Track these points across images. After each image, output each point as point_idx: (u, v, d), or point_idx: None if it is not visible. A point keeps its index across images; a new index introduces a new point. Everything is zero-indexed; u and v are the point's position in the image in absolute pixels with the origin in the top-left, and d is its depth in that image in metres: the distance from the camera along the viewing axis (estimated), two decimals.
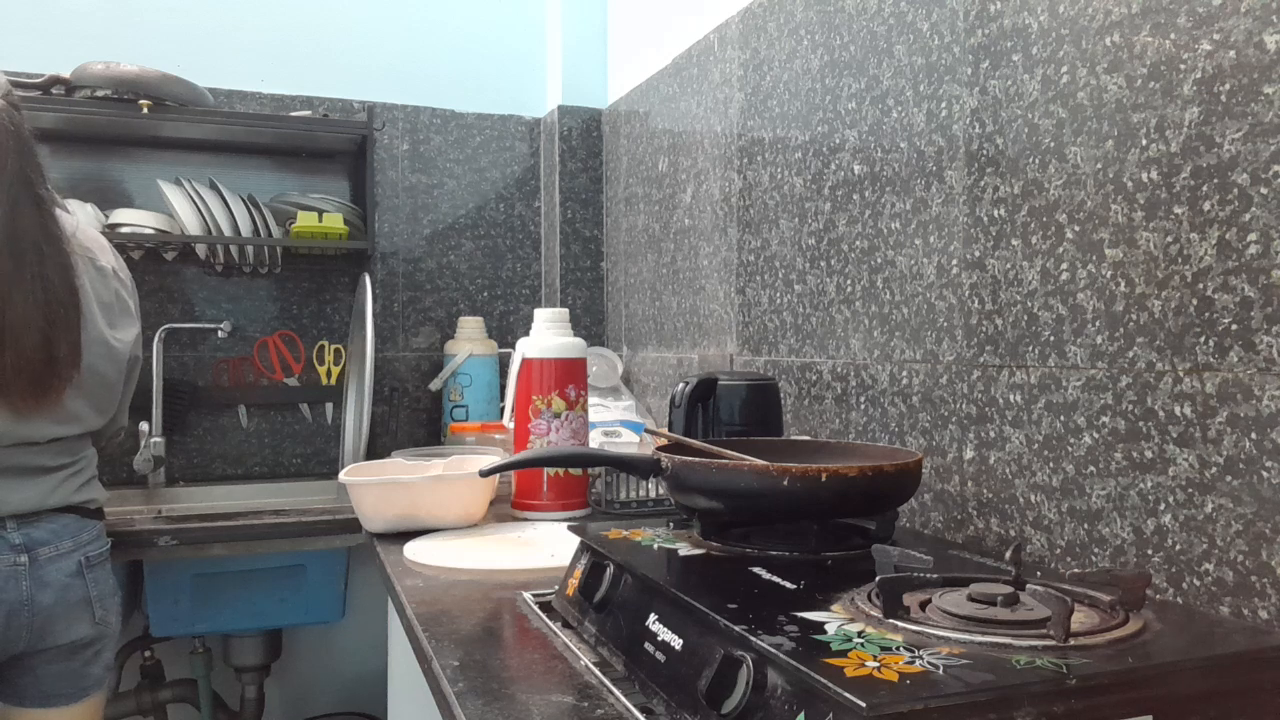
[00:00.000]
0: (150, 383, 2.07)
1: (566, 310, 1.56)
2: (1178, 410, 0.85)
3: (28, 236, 1.23)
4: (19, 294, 1.21)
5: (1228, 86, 0.81)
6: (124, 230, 1.98)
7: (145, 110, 1.92)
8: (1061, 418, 0.97)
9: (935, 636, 0.64)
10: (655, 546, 0.94)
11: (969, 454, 1.11)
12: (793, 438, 1.40)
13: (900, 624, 0.66)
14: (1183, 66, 0.85)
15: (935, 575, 0.74)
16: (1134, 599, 0.71)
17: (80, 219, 1.42)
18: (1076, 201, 0.96)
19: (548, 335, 1.53)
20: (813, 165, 1.45)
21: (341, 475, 1.45)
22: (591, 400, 1.93)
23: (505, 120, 2.46)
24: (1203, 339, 0.83)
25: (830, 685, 0.55)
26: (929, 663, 0.59)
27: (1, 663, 1.32)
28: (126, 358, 1.41)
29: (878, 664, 0.59)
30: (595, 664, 0.81)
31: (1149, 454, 0.88)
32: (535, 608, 0.99)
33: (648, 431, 1.79)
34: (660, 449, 1.06)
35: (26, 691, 1.34)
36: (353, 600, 1.89)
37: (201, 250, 2.11)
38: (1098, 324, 0.93)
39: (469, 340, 2.26)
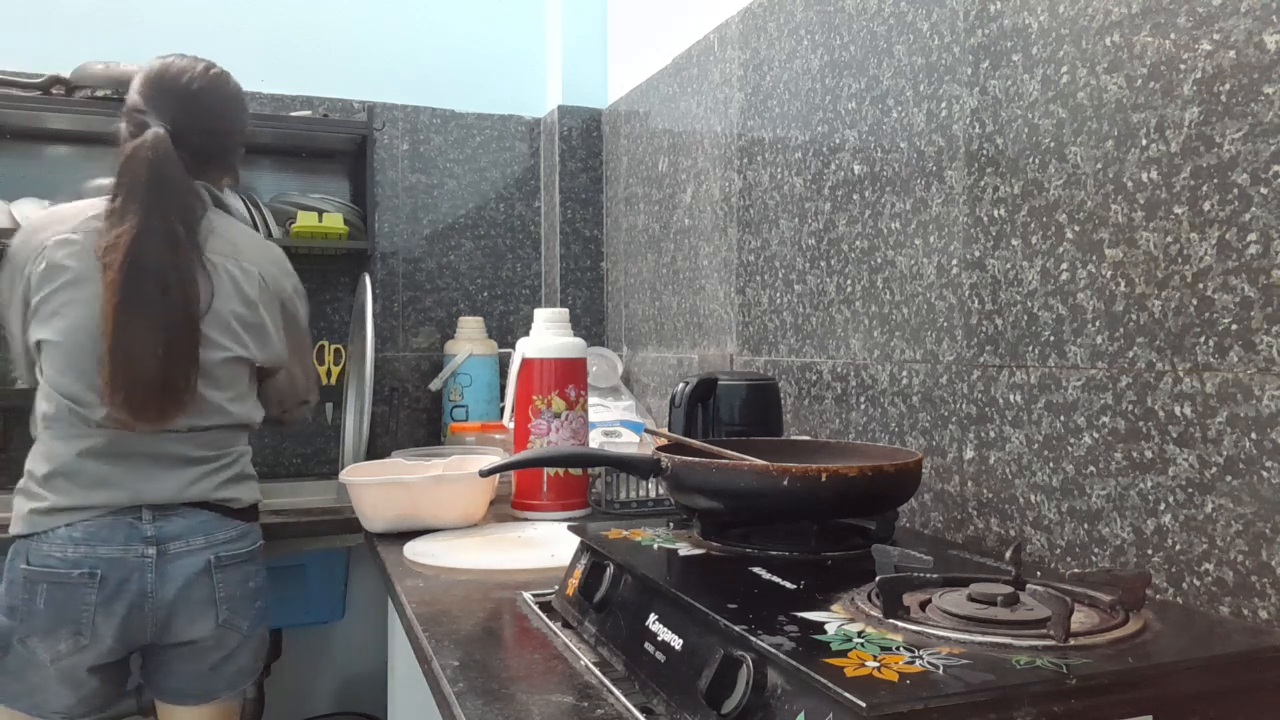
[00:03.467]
0: None
1: (566, 310, 1.56)
2: (1178, 410, 0.85)
3: (150, 264, 1.26)
4: (138, 323, 1.24)
5: (1228, 86, 0.81)
6: None
7: None
8: (1061, 418, 0.97)
9: (935, 636, 0.64)
10: (655, 546, 0.94)
11: (969, 454, 1.11)
12: (793, 438, 1.40)
13: (900, 624, 0.66)
14: (1183, 66, 0.85)
15: (935, 575, 0.74)
16: (1134, 599, 0.71)
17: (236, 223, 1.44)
18: (1076, 201, 0.96)
19: (548, 335, 1.53)
20: (813, 165, 1.45)
21: (341, 475, 1.45)
22: (591, 400, 1.93)
23: (505, 120, 2.46)
24: (1203, 339, 0.83)
25: (830, 685, 0.55)
26: (929, 663, 0.59)
27: (143, 655, 1.34)
28: (258, 364, 1.39)
29: (878, 664, 0.59)
30: (595, 664, 0.81)
31: (1149, 454, 0.88)
32: (535, 608, 0.99)
33: (648, 431, 1.79)
34: (660, 449, 1.06)
35: (162, 685, 1.35)
36: (353, 600, 1.89)
37: None
38: (1098, 324, 0.93)
39: (469, 340, 2.26)
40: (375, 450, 2.03)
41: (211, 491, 1.33)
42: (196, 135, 1.37)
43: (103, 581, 1.26)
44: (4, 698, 1.29)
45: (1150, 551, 0.88)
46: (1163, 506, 0.86)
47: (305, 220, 2.05)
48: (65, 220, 1.34)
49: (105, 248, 1.27)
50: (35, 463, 1.31)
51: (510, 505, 1.52)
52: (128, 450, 1.29)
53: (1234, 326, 0.80)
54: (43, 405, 1.31)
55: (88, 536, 1.27)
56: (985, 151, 1.08)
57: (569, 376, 1.51)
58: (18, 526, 1.30)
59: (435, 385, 2.28)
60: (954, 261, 1.14)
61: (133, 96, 1.37)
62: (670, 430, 1.29)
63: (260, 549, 1.41)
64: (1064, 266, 0.97)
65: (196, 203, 1.35)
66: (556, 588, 1.00)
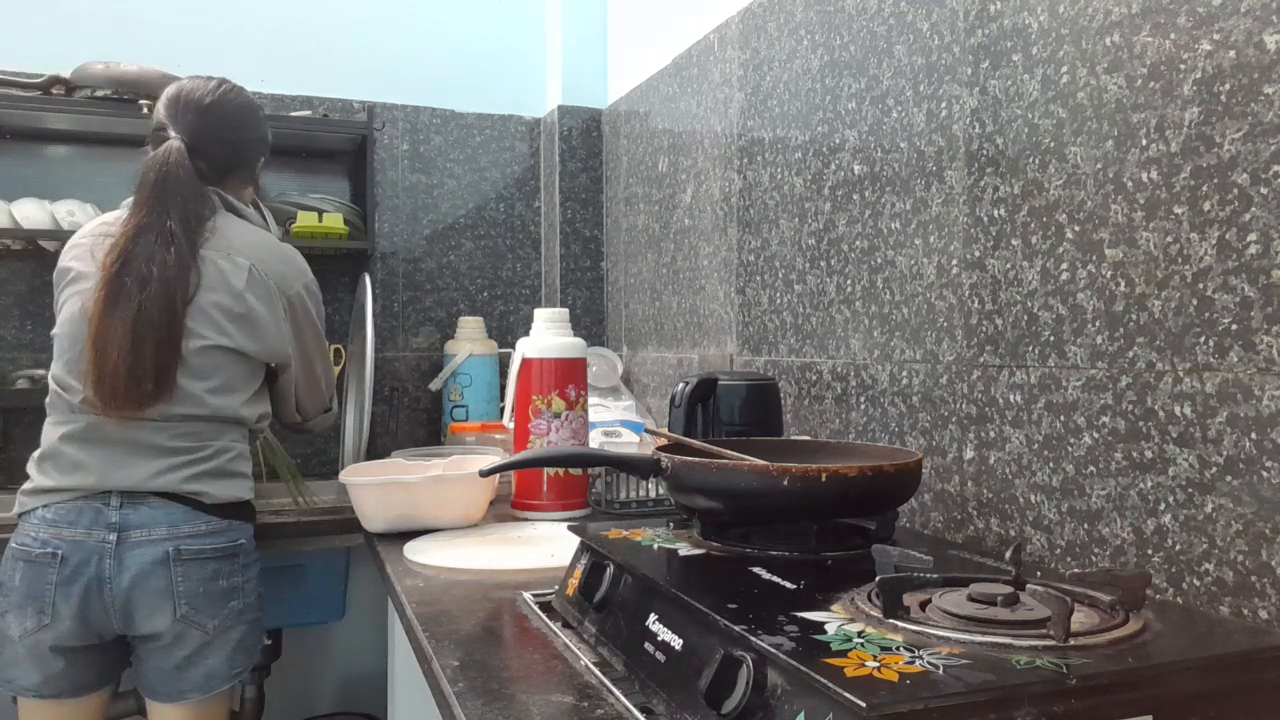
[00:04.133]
0: None
1: (566, 310, 1.56)
2: (1178, 410, 0.85)
3: (137, 264, 1.31)
4: (115, 315, 1.29)
5: (1228, 86, 0.81)
6: None
7: (145, 110, 1.91)
8: (1061, 418, 0.97)
9: (935, 636, 0.64)
10: (655, 546, 0.94)
11: (969, 454, 1.11)
12: (793, 438, 1.40)
13: (900, 624, 0.66)
14: (1183, 66, 0.85)
15: (935, 575, 0.74)
16: (1134, 599, 0.71)
17: (247, 225, 1.48)
18: (1076, 201, 0.96)
19: (548, 335, 1.53)
20: (813, 165, 1.45)
21: (341, 475, 1.45)
22: (591, 400, 1.93)
23: (505, 120, 2.46)
24: (1203, 339, 0.83)
25: (830, 685, 0.55)
26: (929, 663, 0.59)
27: (122, 646, 1.36)
28: (253, 358, 1.40)
29: (878, 664, 0.59)
30: (595, 664, 0.81)
31: (1149, 454, 0.88)
32: (535, 608, 0.99)
33: (648, 431, 1.79)
34: (660, 449, 1.06)
35: (139, 679, 1.37)
36: (353, 600, 1.89)
37: None
38: (1098, 324, 0.93)
39: (469, 340, 2.25)
40: (375, 450, 2.03)
41: (180, 483, 1.33)
42: (214, 145, 1.44)
43: (63, 562, 1.28)
44: None
45: (1150, 551, 0.88)
46: (1163, 506, 0.86)
47: (305, 220, 2.05)
48: (83, 230, 1.45)
49: (108, 247, 1.34)
50: (36, 448, 1.38)
51: (510, 505, 1.52)
52: (104, 436, 1.32)
53: (1234, 326, 0.80)
54: (48, 394, 1.39)
55: (57, 518, 1.30)
56: (985, 151, 1.08)
57: (569, 376, 1.51)
58: (14, 507, 1.37)
59: (435, 385, 2.28)
60: (954, 261, 1.14)
61: (156, 117, 1.45)
62: (670, 430, 1.29)
63: (242, 549, 1.39)
64: (1064, 266, 0.97)
65: (203, 207, 1.40)
66: (556, 588, 1.00)
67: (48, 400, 1.38)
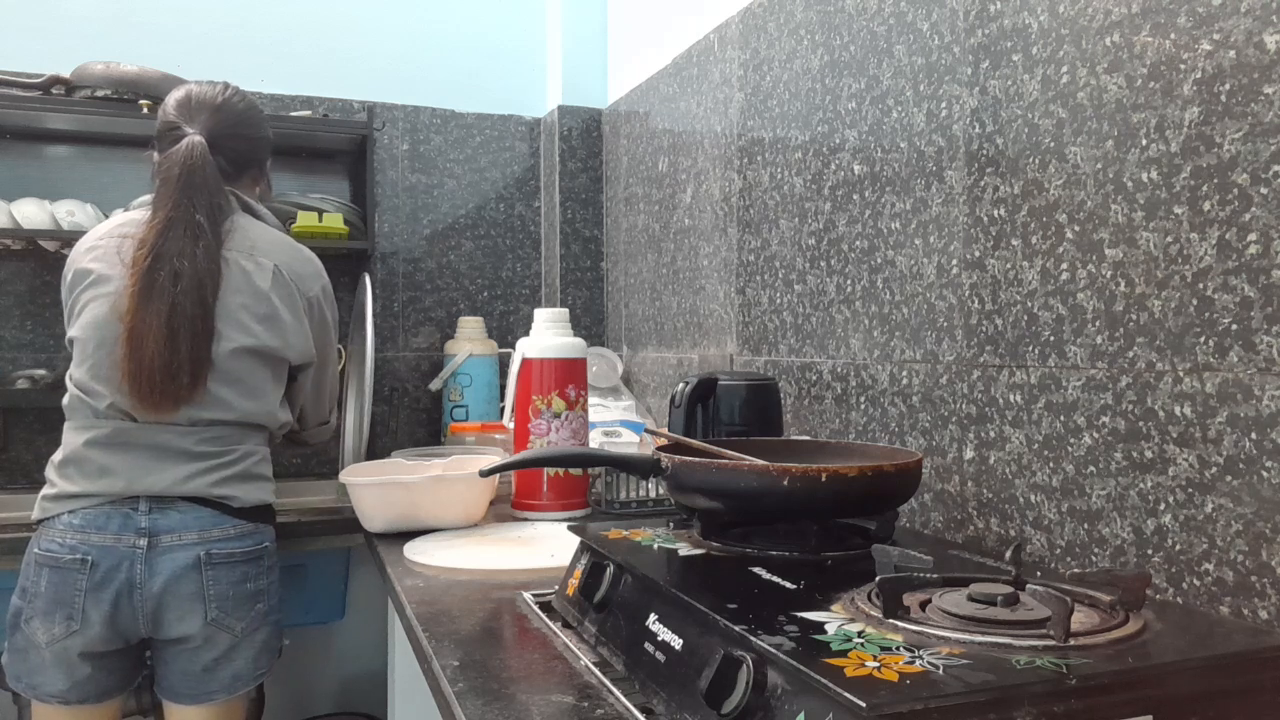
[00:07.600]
0: None
1: (566, 310, 1.56)
2: (1178, 410, 0.85)
3: (168, 259, 1.31)
4: (150, 309, 1.29)
5: (1228, 86, 0.81)
6: None
7: (145, 110, 1.92)
8: (1061, 418, 0.97)
9: (935, 636, 0.64)
10: (655, 546, 0.94)
11: (969, 454, 1.11)
12: (792, 438, 1.40)
13: (900, 624, 0.66)
14: (1183, 66, 0.85)
15: (935, 575, 0.74)
16: (1134, 599, 0.71)
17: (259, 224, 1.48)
18: (1076, 201, 0.96)
19: (548, 335, 1.53)
20: (813, 165, 1.45)
21: (341, 475, 1.46)
22: (591, 400, 1.93)
23: (505, 120, 2.46)
24: (1203, 339, 0.83)
25: (830, 685, 0.55)
26: (929, 663, 0.59)
27: (152, 650, 1.36)
28: (274, 358, 1.40)
29: (878, 664, 0.59)
30: (595, 664, 0.81)
31: (1149, 454, 0.88)
32: (535, 608, 0.99)
33: (648, 431, 1.79)
34: (660, 449, 1.06)
35: (161, 682, 1.36)
36: (353, 600, 1.89)
37: None
38: (1098, 324, 0.93)
39: (469, 340, 2.25)
40: (375, 450, 2.03)
41: (209, 488, 1.33)
42: (232, 140, 1.46)
43: (93, 568, 1.28)
44: (10, 677, 1.32)
45: (1150, 551, 0.88)
46: (1163, 506, 0.86)
47: (305, 220, 2.05)
48: (98, 231, 1.44)
49: (137, 242, 1.34)
50: (56, 452, 1.37)
51: (510, 505, 1.52)
52: (130, 441, 1.32)
53: (1234, 326, 0.80)
54: (65, 397, 1.38)
55: (85, 524, 1.30)
56: (985, 151, 1.08)
57: (569, 376, 1.51)
58: (34, 513, 1.36)
59: (435, 385, 2.28)
60: (954, 261, 1.14)
61: (166, 117, 1.45)
62: (670, 430, 1.29)
63: (266, 551, 1.40)
64: (1064, 266, 0.97)
65: (224, 203, 1.41)
66: (556, 588, 1.00)
67: (66, 404, 1.37)
